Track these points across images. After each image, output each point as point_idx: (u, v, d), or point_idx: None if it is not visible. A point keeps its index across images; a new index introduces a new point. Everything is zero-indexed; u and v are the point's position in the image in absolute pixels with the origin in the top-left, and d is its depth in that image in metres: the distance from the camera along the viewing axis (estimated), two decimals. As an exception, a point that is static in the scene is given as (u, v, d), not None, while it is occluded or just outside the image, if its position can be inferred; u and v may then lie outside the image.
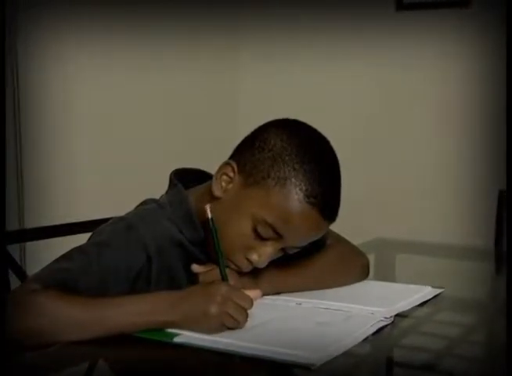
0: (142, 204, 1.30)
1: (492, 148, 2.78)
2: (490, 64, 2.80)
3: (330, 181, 1.19)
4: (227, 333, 1.05)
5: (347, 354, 1.00)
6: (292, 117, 1.25)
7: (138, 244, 1.17)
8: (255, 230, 1.17)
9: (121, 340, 1.03)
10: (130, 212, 1.27)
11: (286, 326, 1.11)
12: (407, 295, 1.29)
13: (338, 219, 1.21)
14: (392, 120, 3.05)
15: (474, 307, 1.38)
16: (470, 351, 1.13)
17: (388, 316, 1.16)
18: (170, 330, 1.05)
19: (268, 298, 1.25)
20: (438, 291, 1.35)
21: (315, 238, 1.22)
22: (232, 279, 1.17)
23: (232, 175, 1.20)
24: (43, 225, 1.70)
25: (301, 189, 1.15)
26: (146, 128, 2.86)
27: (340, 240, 1.41)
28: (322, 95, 3.16)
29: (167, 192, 1.29)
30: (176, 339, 1.03)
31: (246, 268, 1.21)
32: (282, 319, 1.14)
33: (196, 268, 1.22)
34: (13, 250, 1.61)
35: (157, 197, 1.29)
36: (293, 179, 1.15)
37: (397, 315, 1.18)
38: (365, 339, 1.06)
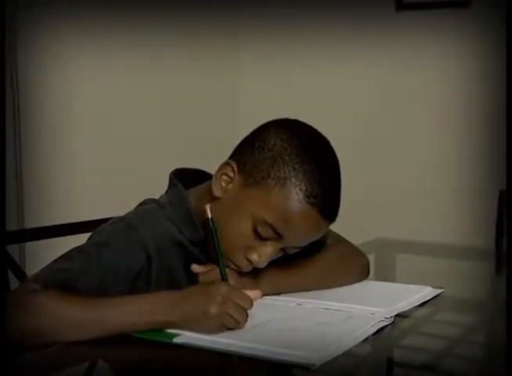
0: (141, 204, 1.30)
1: (492, 148, 2.77)
2: (490, 64, 2.80)
3: (330, 181, 1.19)
4: (227, 333, 1.05)
5: (347, 354, 1.00)
6: (292, 117, 1.25)
7: (138, 244, 1.17)
8: (255, 230, 1.17)
9: (121, 340, 1.03)
10: (130, 212, 1.26)
11: (286, 326, 1.11)
12: (407, 295, 1.29)
13: (338, 219, 1.21)
14: (392, 120, 3.05)
15: (474, 307, 1.38)
16: (470, 351, 1.13)
17: (388, 317, 1.15)
18: (170, 330, 1.05)
19: (268, 299, 1.24)
20: (438, 291, 1.35)
21: (315, 238, 1.22)
22: (232, 279, 1.17)
23: (232, 175, 1.20)
24: (43, 226, 1.70)
25: (301, 189, 1.15)
26: (146, 128, 2.86)
27: (340, 240, 1.41)
28: (322, 95, 3.16)
29: (167, 192, 1.29)
30: (176, 340, 1.03)
31: (246, 268, 1.20)
32: (282, 319, 1.14)
33: (196, 268, 1.22)
34: (13, 250, 1.60)
35: (157, 197, 1.29)
36: (293, 179, 1.15)
37: (397, 315, 1.18)
38: (366, 339, 1.06)
